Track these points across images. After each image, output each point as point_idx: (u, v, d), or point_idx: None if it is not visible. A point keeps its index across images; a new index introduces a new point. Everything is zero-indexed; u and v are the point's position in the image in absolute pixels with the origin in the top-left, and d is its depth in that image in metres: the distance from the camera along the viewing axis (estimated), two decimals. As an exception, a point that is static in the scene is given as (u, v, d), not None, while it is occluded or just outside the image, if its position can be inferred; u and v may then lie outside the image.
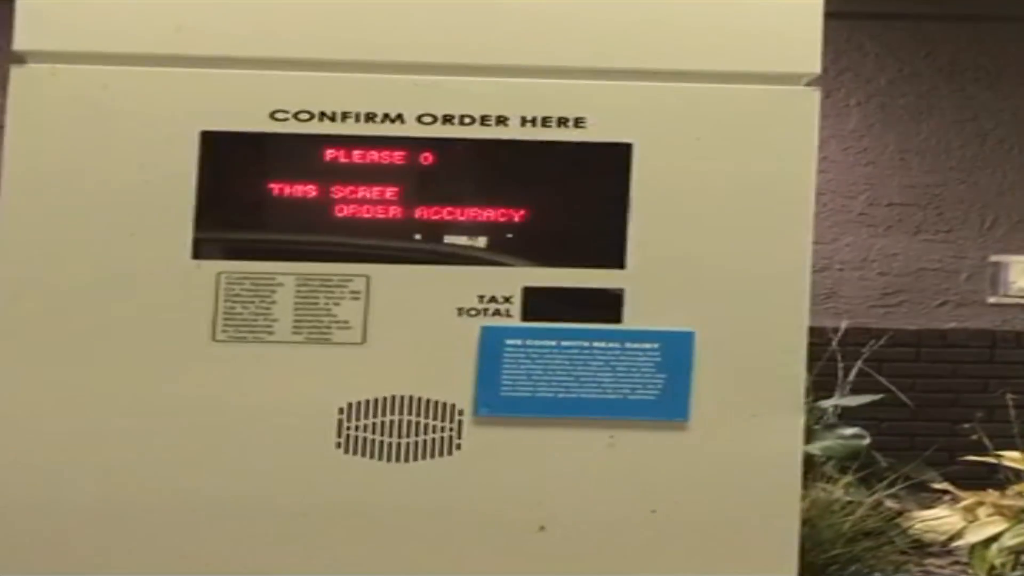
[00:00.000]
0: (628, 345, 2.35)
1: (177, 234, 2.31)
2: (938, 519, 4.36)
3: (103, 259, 2.31)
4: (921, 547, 4.29)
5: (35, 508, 2.31)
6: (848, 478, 4.27)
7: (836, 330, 5.60)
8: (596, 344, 2.35)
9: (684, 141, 2.37)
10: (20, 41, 2.35)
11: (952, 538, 4.27)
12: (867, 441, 4.65)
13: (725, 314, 2.36)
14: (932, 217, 6.80)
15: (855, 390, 5.27)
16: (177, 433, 2.32)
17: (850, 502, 4.05)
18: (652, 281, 2.36)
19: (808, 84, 2.41)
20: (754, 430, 2.35)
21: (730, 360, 2.36)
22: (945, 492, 4.94)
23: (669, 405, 2.34)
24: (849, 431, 4.67)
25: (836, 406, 4.92)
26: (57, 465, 2.31)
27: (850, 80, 6.60)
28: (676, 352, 2.34)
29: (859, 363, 5.35)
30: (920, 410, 6.17)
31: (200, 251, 2.32)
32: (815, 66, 2.40)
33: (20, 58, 2.35)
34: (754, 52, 2.40)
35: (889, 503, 4.21)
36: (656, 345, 2.35)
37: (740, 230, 2.37)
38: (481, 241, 2.37)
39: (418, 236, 2.37)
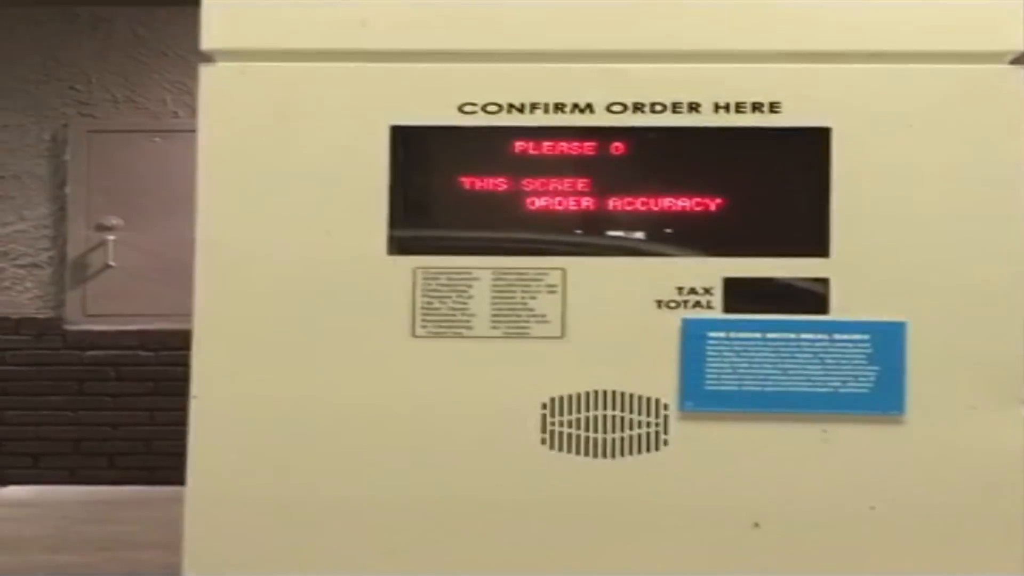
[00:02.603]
0: (836, 336, 2.26)
1: (372, 230, 2.30)
2: None
3: (300, 258, 2.31)
4: None
5: (239, 498, 2.32)
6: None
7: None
8: (803, 336, 2.27)
9: (884, 124, 2.29)
10: (208, 40, 2.36)
11: None
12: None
13: (937, 303, 2.27)
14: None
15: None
16: (383, 430, 2.30)
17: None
18: (859, 270, 2.28)
19: (1012, 62, 2.31)
20: (973, 423, 2.25)
21: (945, 351, 2.26)
22: None
23: (883, 397, 2.25)
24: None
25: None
26: (260, 457, 2.32)
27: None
28: (888, 343, 2.25)
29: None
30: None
31: (395, 246, 2.30)
32: (1018, 43, 2.31)
33: (209, 57, 2.36)
34: (953, 30, 2.31)
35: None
36: (866, 336, 2.26)
37: (948, 215, 2.28)
38: (677, 231, 2.31)
39: (612, 228, 2.33)
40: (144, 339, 6.99)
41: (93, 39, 7.16)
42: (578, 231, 2.32)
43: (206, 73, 2.35)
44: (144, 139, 7.04)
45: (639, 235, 2.32)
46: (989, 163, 2.28)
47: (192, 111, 6.68)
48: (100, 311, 7.09)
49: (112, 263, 7.01)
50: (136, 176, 7.01)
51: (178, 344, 6.91)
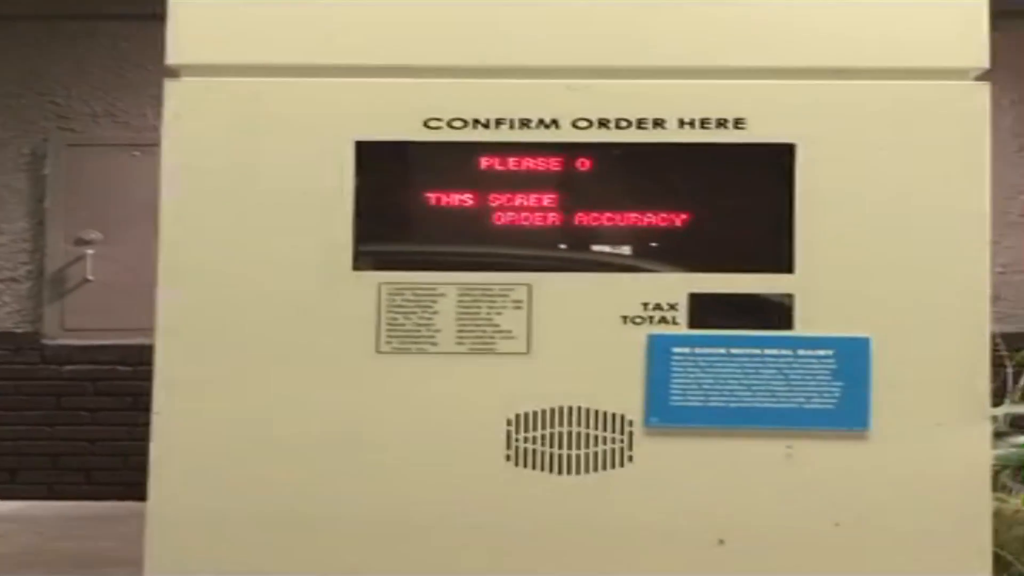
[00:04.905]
0: (801, 352, 2.26)
1: (337, 245, 2.29)
2: None
3: (264, 273, 2.30)
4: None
5: (200, 515, 2.30)
6: (1031, 488, 4.15)
7: (1002, 335, 5.44)
8: (767, 351, 2.27)
9: (849, 140, 2.29)
10: (173, 55, 2.36)
11: None
12: (1043, 450, 4.50)
13: (902, 318, 2.27)
14: (1092, 216, 6.63)
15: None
16: (346, 445, 2.29)
17: (1034, 512, 3.92)
18: (823, 285, 2.28)
19: (976, 79, 2.32)
20: (939, 439, 2.25)
21: (909, 366, 2.26)
22: None
23: (848, 414, 2.25)
24: (1023, 439, 4.52)
25: (1008, 414, 4.75)
26: (222, 474, 2.30)
27: (1003, 78, 6.46)
28: (852, 359, 2.25)
29: (1028, 368, 5.20)
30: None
31: (360, 262, 2.29)
32: (983, 60, 2.31)
33: (174, 72, 2.36)
34: (919, 47, 2.31)
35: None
36: (830, 352, 2.26)
37: (914, 230, 2.28)
38: (643, 247, 2.31)
39: (578, 243, 2.32)
40: (122, 354, 6.97)
41: (73, 53, 7.17)
42: (544, 247, 2.32)
43: (170, 88, 2.35)
44: (123, 153, 7.04)
45: (605, 251, 2.32)
46: (954, 179, 2.28)
47: (171, 125, 6.63)
48: (78, 325, 7.08)
49: (90, 277, 7.01)
50: (115, 190, 7.00)
51: (156, 359, 6.90)
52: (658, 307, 2.28)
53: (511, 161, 2.32)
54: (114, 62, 7.11)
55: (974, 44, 2.31)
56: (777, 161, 2.29)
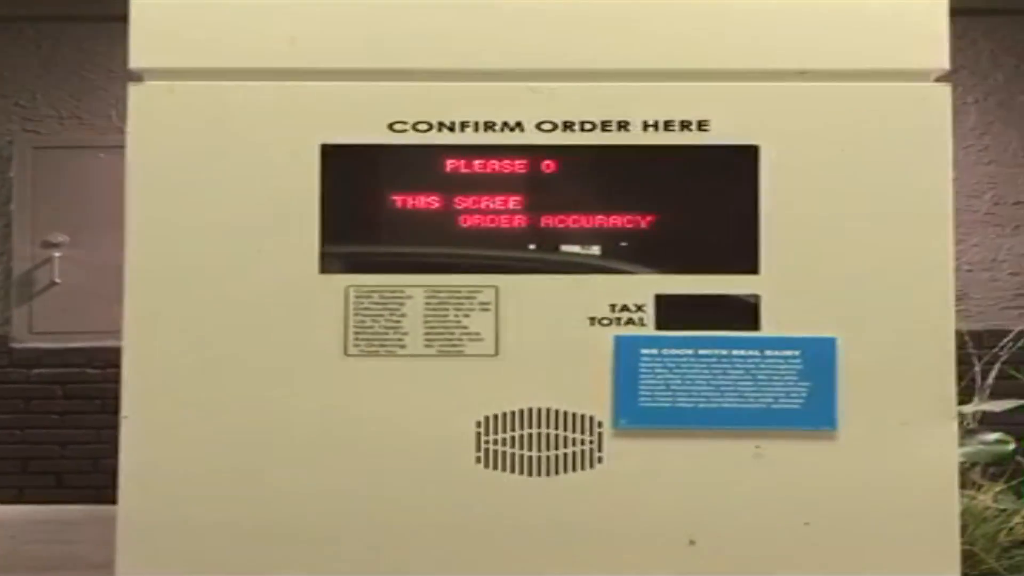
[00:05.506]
0: (768, 353, 2.27)
1: (303, 248, 2.29)
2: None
3: (231, 277, 2.29)
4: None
5: (170, 517, 2.30)
6: (999, 485, 4.15)
7: (969, 333, 5.45)
8: (735, 352, 2.28)
9: (812, 141, 2.31)
10: (136, 59, 2.36)
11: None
12: (1012, 447, 4.50)
13: (868, 318, 2.28)
14: (1059, 215, 6.65)
15: (992, 395, 5.11)
16: (315, 449, 2.29)
17: (1003, 510, 3.93)
18: (789, 286, 2.29)
19: (936, 80, 2.33)
20: (906, 438, 2.26)
21: (876, 366, 2.27)
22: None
23: (815, 413, 2.26)
24: (991, 436, 4.52)
25: (976, 411, 4.75)
26: (191, 477, 2.30)
27: (966, 77, 6.50)
28: (819, 359, 2.27)
29: (997, 366, 5.21)
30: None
31: (327, 265, 2.29)
32: (943, 61, 2.33)
33: (137, 76, 2.35)
34: (880, 49, 2.33)
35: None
36: (797, 352, 2.27)
37: (878, 231, 2.29)
38: (608, 248, 2.32)
39: (544, 245, 2.32)
40: (91, 356, 6.92)
41: (38, 55, 7.11)
42: (510, 249, 2.32)
43: (134, 91, 2.35)
44: (89, 155, 6.98)
45: (571, 252, 2.32)
46: (916, 179, 2.30)
47: (138, 127, 6.60)
48: (46, 328, 7.02)
49: (58, 280, 6.94)
50: (81, 192, 6.94)
51: (125, 362, 6.86)
52: (625, 308, 2.29)
53: (476, 163, 2.32)
54: (79, 64, 7.05)
55: (934, 46, 2.33)
56: (741, 162, 2.30)
